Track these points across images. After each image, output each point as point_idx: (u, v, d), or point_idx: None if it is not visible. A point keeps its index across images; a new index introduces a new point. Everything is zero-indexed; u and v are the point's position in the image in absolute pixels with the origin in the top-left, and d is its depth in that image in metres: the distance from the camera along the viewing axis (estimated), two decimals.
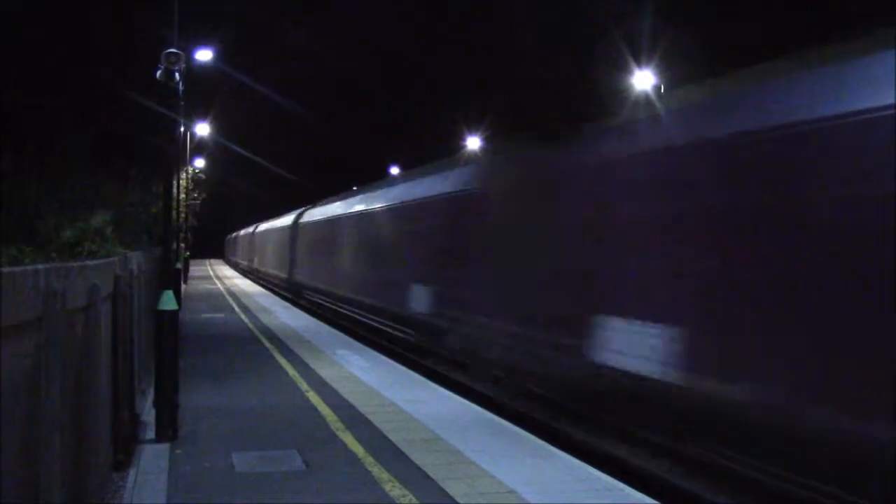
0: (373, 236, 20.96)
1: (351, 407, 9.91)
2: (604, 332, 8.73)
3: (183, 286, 28.28)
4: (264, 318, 21.74)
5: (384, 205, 20.46)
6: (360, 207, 23.55)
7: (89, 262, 6.01)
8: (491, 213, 12.60)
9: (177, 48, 9.11)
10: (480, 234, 13.06)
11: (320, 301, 28.30)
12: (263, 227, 52.71)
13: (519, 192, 11.46)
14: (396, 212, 19.03)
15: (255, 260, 54.59)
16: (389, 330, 18.61)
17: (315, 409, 9.78)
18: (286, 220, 40.11)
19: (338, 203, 28.26)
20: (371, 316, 20.52)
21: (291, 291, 34.43)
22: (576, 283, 9.54)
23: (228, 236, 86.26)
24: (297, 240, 34.09)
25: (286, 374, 12.45)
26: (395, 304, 17.66)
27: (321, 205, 33.15)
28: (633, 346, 8.12)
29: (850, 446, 5.91)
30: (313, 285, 29.57)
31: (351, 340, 17.07)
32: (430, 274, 15.50)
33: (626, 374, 8.28)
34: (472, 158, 16.41)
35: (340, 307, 24.75)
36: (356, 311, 22.33)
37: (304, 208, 36.85)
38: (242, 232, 72.02)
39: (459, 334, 13.31)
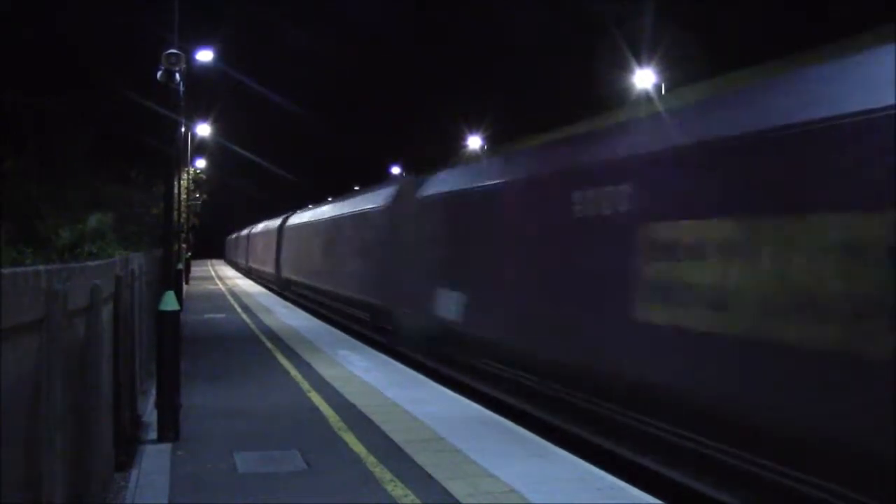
0: None
1: (352, 407, 9.90)
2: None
3: (184, 286, 28.26)
4: (265, 318, 21.73)
5: None
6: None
7: (90, 264, 6.01)
8: None
9: (177, 49, 9.11)
10: None
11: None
12: (301, 218, 34.95)
13: None
14: None
15: (285, 267, 36.83)
16: None
17: (317, 409, 9.78)
18: (365, 201, 22.38)
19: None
20: None
21: (382, 325, 18.50)
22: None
23: (230, 236, 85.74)
24: (435, 234, 15.42)
25: (287, 374, 12.44)
26: None
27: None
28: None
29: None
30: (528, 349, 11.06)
31: (352, 340, 17.07)
32: None
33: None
34: None
35: None
36: None
37: (400, 179, 19.30)
38: (254, 230, 56.60)
39: None
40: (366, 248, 20.83)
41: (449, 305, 13.71)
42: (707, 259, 7.26)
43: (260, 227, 52.97)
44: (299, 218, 35.77)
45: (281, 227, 39.46)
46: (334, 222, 26.21)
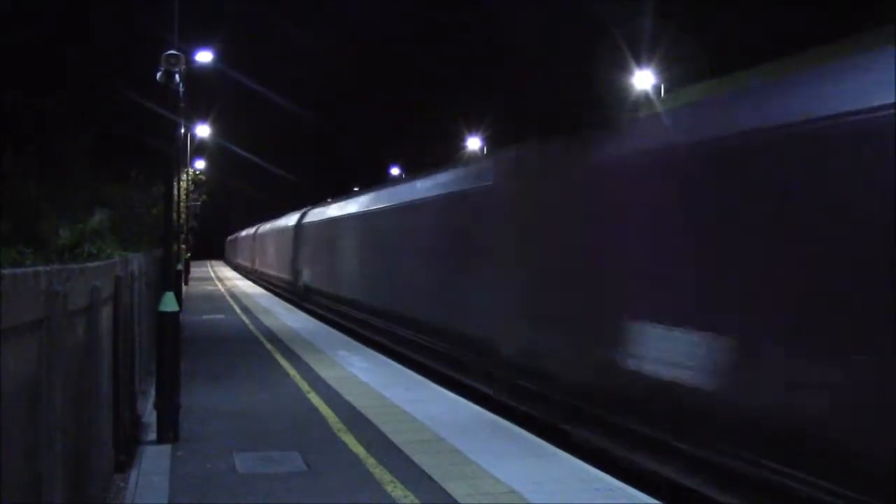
0: None
1: (352, 408, 9.91)
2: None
3: (184, 287, 28.25)
4: (265, 320, 21.74)
5: None
6: None
7: (90, 265, 6.02)
8: None
9: (177, 49, 9.11)
10: None
11: None
12: (264, 227, 43.89)
13: None
14: None
15: (258, 263, 44.30)
16: None
17: (316, 410, 9.78)
18: (288, 220, 37.84)
19: None
20: None
21: None
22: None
23: (229, 238, 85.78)
24: None
25: (287, 375, 12.45)
26: None
27: None
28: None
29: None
30: None
31: (352, 341, 17.08)
32: None
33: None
34: None
35: None
36: None
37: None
38: (242, 234, 61.89)
39: None
40: (286, 249, 35.11)
41: (310, 276, 29.25)
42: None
43: (244, 233, 66.64)
44: (264, 227, 48.05)
45: (255, 233, 53.28)
46: (270, 233, 41.60)
